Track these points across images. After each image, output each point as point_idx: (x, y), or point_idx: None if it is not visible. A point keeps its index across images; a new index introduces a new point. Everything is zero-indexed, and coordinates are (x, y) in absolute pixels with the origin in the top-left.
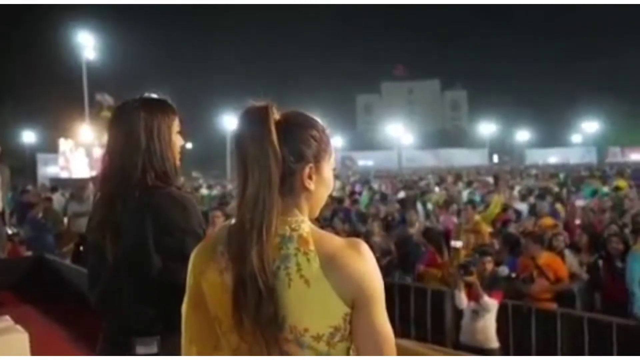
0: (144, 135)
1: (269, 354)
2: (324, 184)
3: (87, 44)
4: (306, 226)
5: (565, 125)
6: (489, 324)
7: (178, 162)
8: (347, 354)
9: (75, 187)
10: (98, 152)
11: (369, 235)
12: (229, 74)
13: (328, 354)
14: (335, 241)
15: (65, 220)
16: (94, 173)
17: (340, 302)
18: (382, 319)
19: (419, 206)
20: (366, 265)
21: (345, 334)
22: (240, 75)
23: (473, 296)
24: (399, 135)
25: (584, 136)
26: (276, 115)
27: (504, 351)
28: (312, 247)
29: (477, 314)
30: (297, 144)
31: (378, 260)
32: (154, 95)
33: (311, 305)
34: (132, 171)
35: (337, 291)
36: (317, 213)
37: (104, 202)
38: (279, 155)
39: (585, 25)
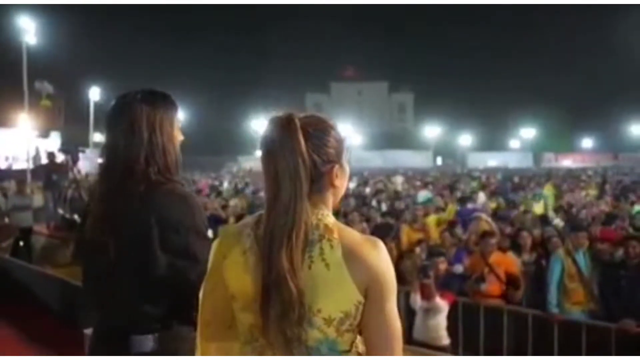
0: (146, 128)
1: (285, 344)
2: (345, 177)
3: (27, 29)
4: (331, 219)
5: (505, 131)
6: (440, 322)
7: (180, 157)
8: (351, 347)
9: (15, 179)
10: (37, 143)
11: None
12: (175, 64)
13: (334, 341)
14: (356, 235)
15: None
16: (32, 165)
17: (355, 289)
18: (393, 314)
19: (374, 203)
20: (382, 261)
21: (354, 323)
22: (187, 67)
23: (426, 295)
24: (348, 135)
25: (521, 142)
26: (298, 121)
27: (453, 346)
28: (336, 236)
29: (429, 312)
30: (325, 148)
31: None
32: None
33: (328, 287)
34: (134, 165)
35: (354, 278)
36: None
37: (104, 197)
38: (307, 164)
39: (523, 39)
